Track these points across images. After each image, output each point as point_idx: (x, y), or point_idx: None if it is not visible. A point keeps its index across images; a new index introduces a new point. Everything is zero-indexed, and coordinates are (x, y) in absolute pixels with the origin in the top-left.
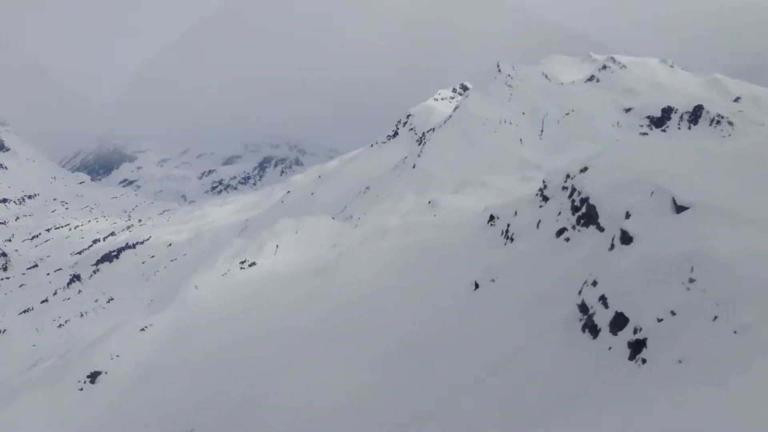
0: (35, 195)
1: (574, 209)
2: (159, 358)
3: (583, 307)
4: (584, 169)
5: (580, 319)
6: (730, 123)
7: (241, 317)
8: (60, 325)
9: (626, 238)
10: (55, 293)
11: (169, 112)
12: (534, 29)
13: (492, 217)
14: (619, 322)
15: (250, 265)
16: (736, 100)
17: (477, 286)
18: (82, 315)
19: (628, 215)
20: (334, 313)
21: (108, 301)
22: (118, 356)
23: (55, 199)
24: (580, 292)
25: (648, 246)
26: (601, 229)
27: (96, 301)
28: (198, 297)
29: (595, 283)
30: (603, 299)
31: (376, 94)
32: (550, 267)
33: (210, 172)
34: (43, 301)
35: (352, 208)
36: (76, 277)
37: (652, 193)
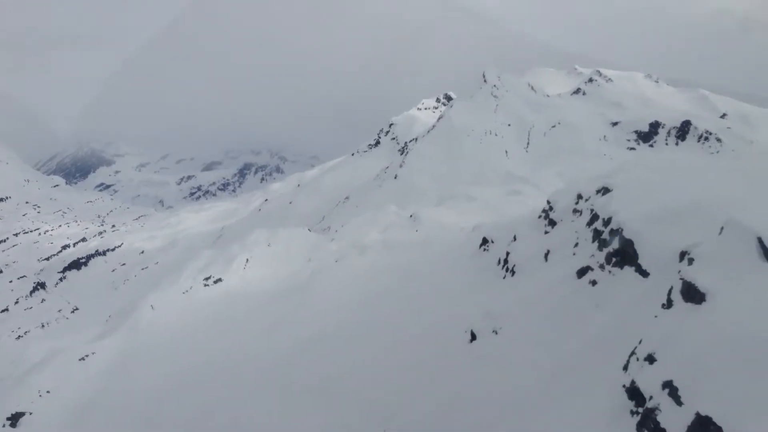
0: (6, 198)
1: (601, 243)
2: (95, 395)
3: (635, 393)
4: (604, 190)
5: (633, 412)
6: (719, 140)
7: (196, 346)
8: (19, 337)
9: (693, 294)
10: (16, 302)
11: (148, 116)
12: (515, 43)
13: (485, 241)
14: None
15: (215, 282)
16: (723, 116)
17: (474, 337)
18: (43, 326)
19: (689, 259)
20: (301, 351)
21: (72, 311)
22: (48, 392)
23: (27, 203)
24: (626, 368)
25: (736, 312)
26: (644, 274)
27: (59, 311)
28: (153, 319)
29: (651, 360)
30: (671, 388)
31: (360, 103)
32: (574, 321)
33: (189, 177)
34: (2, 311)
35: (331, 218)
36: (40, 285)
37: (722, 228)
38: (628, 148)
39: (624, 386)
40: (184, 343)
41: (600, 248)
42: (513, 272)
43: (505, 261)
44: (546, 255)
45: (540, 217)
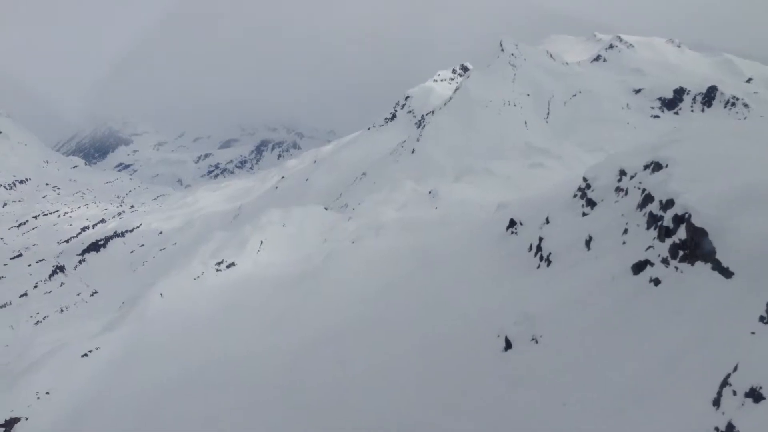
0: (26, 180)
1: (661, 231)
2: (94, 397)
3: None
4: (655, 166)
5: None
6: (746, 105)
7: (201, 342)
8: (37, 322)
9: None
10: (35, 286)
11: (163, 93)
12: (530, 11)
13: (513, 223)
14: None
15: (228, 267)
16: (749, 81)
17: (508, 344)
18: (62, 310)
19: None
20: (307, 353)
21: (91, 295)
22: (47, 394)
23: (47, 184)
24: (716, 403)
25: None
26: (727, 273)
27: (78, 294)
28: (161, 308)
29: (757, 396)
30: None
31: (376, 76)
32: (638, 332)
33: (206, 155)
34: (22, 295)
35: (348, 195)
36: (59, 269)
37: None
38: (652, 116)
39: (717, 430)
40: (189, 338)
41: (661, 238)
42: (548, 261)
43: (538, 248)
44: (588, 242)
45: (575, 196)
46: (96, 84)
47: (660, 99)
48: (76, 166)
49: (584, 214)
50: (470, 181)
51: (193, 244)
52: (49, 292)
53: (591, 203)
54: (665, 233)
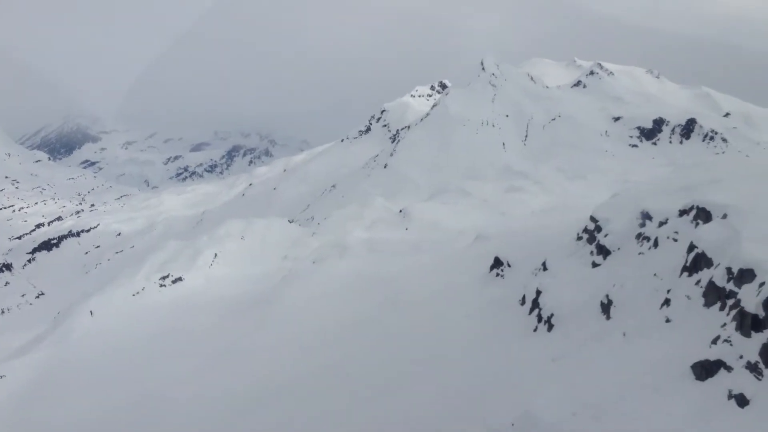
0: None
1: (743, 319)
2: None
3: None
4: (699, 213)
5: None
6: (724, 140)
7: (125, 377)
8: None
9: None
10: None
11: (136, 93)
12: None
13: (498, 262)
14: None
15: (174, 281)
16: (726, 115)
17: None
18: (2, 312)
19: None
20: (246, 407)
21: (37, 297)
22: None
23: (6, 177)
24: None
25: None
26: None
27: (23, 296)
28: (88, 329)
29: None
30: None
31: (353, 90)
32: None
33: (176, 158)
34: None
35: (315, 208)
36: (6, 267)
37: None
38: (630, 144)
39: None
40: (113, 369)
41: (744, 330)
42: (550, 324)
43: (536, 303)
44: (606, 307)
45: (580, 238)
46: (67, 80)
47: (639, 128)
48: (39, 161)
49: (595, 264)
50: (444, 201)
51: (149, 249)
52: None
53: (603, 251)
54: (753, 324)
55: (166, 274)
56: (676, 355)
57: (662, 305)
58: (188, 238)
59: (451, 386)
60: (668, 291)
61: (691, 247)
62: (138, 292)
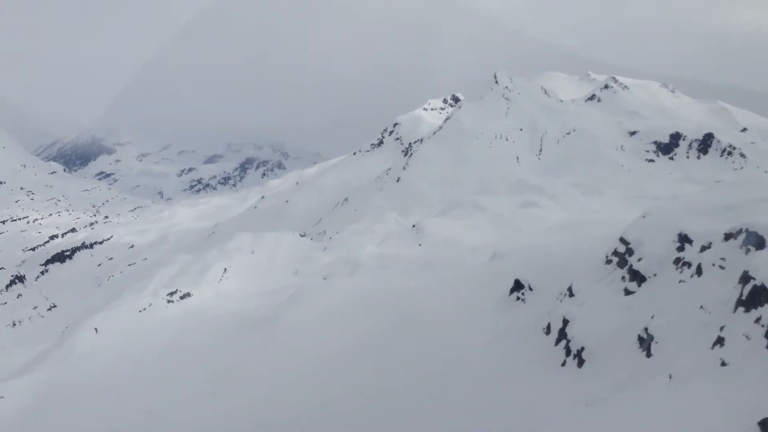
0: (1, 183)
1: None
2: None
3: None
4: (750, 237)
5: None
6: (742, 155)
7: (126, 398)
8: None
9: None
10: None
11: (151, 106)
12: (524, 46)
13: (519, 285)
14: None
15: (182, 297)
16: (743, 130)
17: None
18: (14, 324)
19: None
20: None
21: (49, 309)
22: None
23: (21, 189)
24: None
25: None
26: None
27: (35, 308)
28: (92, 346)
29: None
30: None
31: (366, 103)
32: None
33: (190, 170)
34: None
35: (327, 221)
36: (19, 279)
37: None
38: (646, 159)
39: None
40: (114, 390)
41: None
42: (580, 359)
43: (562, 333)
44: (644, 342)
45: (609, 261)
46: (82, 92)
47: (655, 143)
48: (54, 172)
49: (628, 292)
50: (458, 216)
51: (160, 262)
52: (5, 303)
53: (637, 277)
54: None
55: (174, 290)
56: (739, 407)
57: (714, 344)
58: (200, 250)
59: (465, 429)
60: (721, 328)
61: (746, 278)
62: (145, 308)
